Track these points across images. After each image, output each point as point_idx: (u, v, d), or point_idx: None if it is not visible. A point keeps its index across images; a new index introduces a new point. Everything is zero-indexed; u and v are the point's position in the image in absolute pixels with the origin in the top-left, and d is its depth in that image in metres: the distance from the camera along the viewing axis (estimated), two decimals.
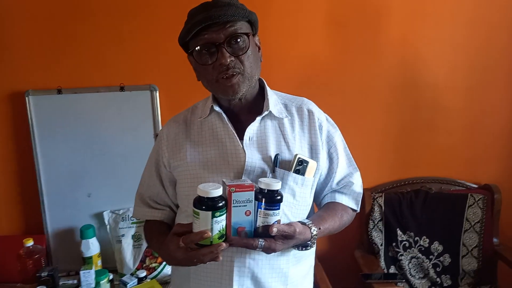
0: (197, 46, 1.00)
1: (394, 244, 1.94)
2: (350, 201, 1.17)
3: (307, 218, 1.09)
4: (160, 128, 1.94)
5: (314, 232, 0.99)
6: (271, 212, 0.91)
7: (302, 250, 1.02)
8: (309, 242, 0.99)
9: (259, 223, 0.92)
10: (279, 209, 0.93)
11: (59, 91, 1.90)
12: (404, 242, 1.94)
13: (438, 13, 1.94)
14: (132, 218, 1.93)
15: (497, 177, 2.05)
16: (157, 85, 1.93)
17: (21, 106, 1.90)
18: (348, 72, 1.98)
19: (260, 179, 0.94)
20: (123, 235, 1.91)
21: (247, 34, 1.00)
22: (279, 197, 0.92)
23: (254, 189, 0.91)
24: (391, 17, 1.93)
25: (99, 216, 1.97)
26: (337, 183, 1.16)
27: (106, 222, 1.94)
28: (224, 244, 0.89)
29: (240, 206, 0.90)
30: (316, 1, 1.91)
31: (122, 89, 1.92)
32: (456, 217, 1.93)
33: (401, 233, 1.94)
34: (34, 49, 1.89)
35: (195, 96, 1.94)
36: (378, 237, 1.96)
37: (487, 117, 2.03)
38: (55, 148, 1.92)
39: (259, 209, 0.92)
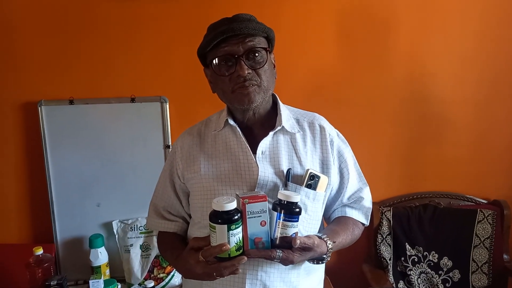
0: (216, 57, 1.03)
1: (402, 258, 1.92)
2: (360, 216, 1.19)
3: (319, 232, 1.10)
4: (170, 138, 1.96)
5: (330, 246, 1.00)
6: (290, 223, 0.93)
7: (317, 263, 1.03)
8: (324, 256, 1.00)
9: (278, 234, 0.94)
10: (297, 221, 0.94)
11: (71, 102, 1.93)
12: (413, 257, 1.92)
13: (446, 26, 1.94)
14: (141, 228, 1.94)
15: (507, 192, 2.03)
16: (167, 96, 1.95)
17: (33, 116, 1.93)
18: (356, 85, 1.99)
19: (280, 191, 0.96)
20: (131, 245, 1.92)
21: (265, 49, 1.04)
22: (297, 210, 0.94)
23: (267, 199, 0.93)
24: (400, 30, 1.94)
25: (108, 226, 1.98)
26: (348, 198, 1.17)
27: (115, 232, 1.95)
28: (245, 257, 0.91)
29: (254, 217, 0.92)
30: (325, 14, 1.93)
31: (132, 100, 1.94)
32: (466, 233, 1.92)
33: (409, 247, 1.92)
34: (47, 60, 1.93)
35: (205, 108, 1.97)
36: (386, 252, 1.94)
37: (495, 131, 2.02)
38: (66, 158, 1.95)
39: (278, 220, 0.94)
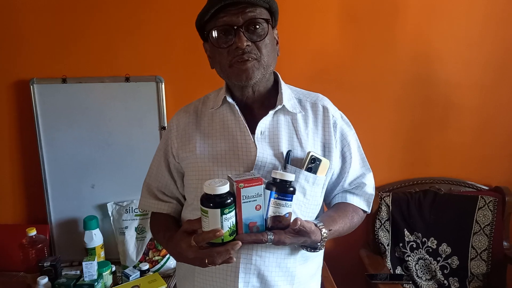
0: (214, 28, 0.97)
1: (401, 244, 1.90)
2: (361, 203, 1.14)
3: (316, 218, 1.06)
4: (166, 119, 1.92)
5: (324, 235, 0.96)
6: (283, 202, 0.90)
7: (311, 251, 1.00)
8: (318, 244, 0.97)
9: (270, 213, 0.90)
10: (291, 201, 0.91)
11: (64, 80, 1.87)
12: (411, 243, 1.90)
13: (453, 9, 1.87)
14: (136, 210, 1.92)
15: (509, 178, 2.00)
16: (163, 76, 1.90)
17: (25, 95, 1.88)
18: (360, 68, 1.93)
19: (274, 170, 0.92)
20: (126, 227, 1.90)
21: (266, 21, 0.98)
22: (291, 189, 0.91)
23: (263, 182, 0.89)
24: (405, 12, 1.88)
25: (102, 208, 1.96)
26: (349, 184, 1.13)
27: (110, 214, 1.93)
28: (239, 242, 0.87)
29: (250, 201, 0.88)
30: None
31: (127, 80, 1.89)
32: (466, 219, 1.89)
33: (408, 233, 1.90)
34: (39, 37, 1.87)
35: (201, 88, 1.91)
36: (384, 237, 1.92)
37: (500, 117, 1.98)
38: (59, 138, 1.91)
39: (270, 198, 0.90)
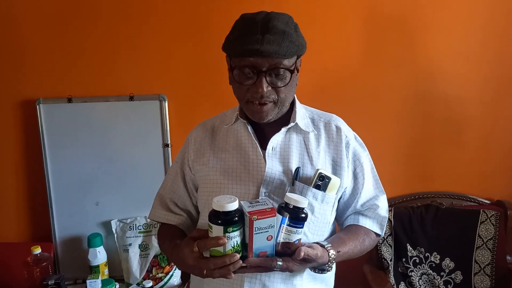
0: (239, 66, 0.96)
1: (404, 259, 1.90)
2: (374, 225, 1.12)
3: (328, 237, 1.06)
4: (169, 137, 1.95)
5: (332, 256, 0.95)
6: (294, 229, 0.89)
7: (318, 272, 0.99)
8: (325, 266, 0.96)
9: (280, 239, 0.90)
10: (302, 227, 0.90)
11: (70, 100, 1.91)
12: (414, 258, 1.90)
13: (451, 25, 1.91)
14: (140, 227, 1.93)
15: (510, 193, 2.00)
16: (166, 95, 1.93)
17: (32, 114, 1.92)
18: (360, 83, 1.96)
19: (287, 194, 0.91)
20: (130, 244, 1.91)
21: (291, 72, 0.97)
22: (304, 215, 0.90)
23: (276, 214, 0.88)
24: (404, 28, 1.91)
25: (106, 225, 1.97)
26: (362, 205, 1.11)
27: (114, 231, 1.94)
28: (237, 255, 0.87)
29: (262, 232, 0.87)
30: (327, 13, 1.90)
31: (131, 98, 1.92)
32: (468, 234, 1.89)
33: (411, 248, 1.90)
34: (45, 57, 1.91)
35: (204, 106, 1.96)
36: (387, 252, 1.92)
37: (500, 131, 1.99)
38: (64, 156, 1.94)
39: (282, 225, 0.89)
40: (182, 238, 1.02)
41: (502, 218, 1.90)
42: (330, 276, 1.12)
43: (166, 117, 1.93)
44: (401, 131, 2.01)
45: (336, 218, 1.13)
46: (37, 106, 1.90)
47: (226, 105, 1.99)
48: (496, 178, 2.03)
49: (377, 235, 1.13)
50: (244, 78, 0.97)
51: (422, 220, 1.92)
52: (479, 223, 1.89)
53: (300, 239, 0.92)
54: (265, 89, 0.95)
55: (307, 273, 1.03)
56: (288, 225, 0.89)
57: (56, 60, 1.92)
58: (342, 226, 1.16)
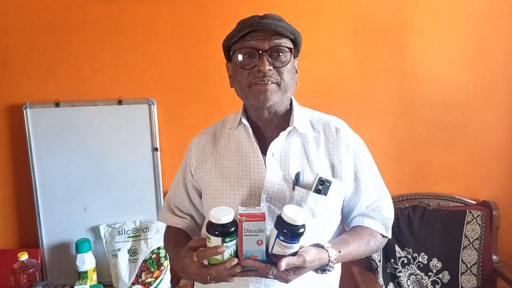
0: (240, 49, 1.02)
1: (392, 260, 1.92)
2: (379, 226, 1.12)
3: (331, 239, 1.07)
4: (158, 141, 1.94)
5: (333, 256, 0.96)
6: (288, 245, 0.89)
7: (320, 273, 0.98)
8: (326, 266, 0.96)
9: (275, 251, 0.90)
10: (298, 242, 0.90)
11: (57, 104, 1.90)
12: (402, 259, 1.92)
13: (435, 29, 1.95)
14: (128, 232, 1.92)
15: (496, 193, 2.04)
16: (155, 99, 1.93)
17: (18, 119, 1.90)
18: (348, 88, 1.98)
19: (284, 208, 0.89)
20: (119, 249, 1.89)
21: (290, 50, 1.03)
22: (300, 232, 0.88)
23: (265, 219, 0.89)
24: (389, 32, 1.94)
25: (95, 230, 1.95)
26: (367, 207, 1.11)
27: (102, 236, 1.93)
28: (236, 259, 0.90)
29: (251, 235, 0.89)
30: (316, 20, 1.92)
31: (120, 102, 1.92)
32: (455, 234, 1.92)
33: (399, 249, 1.92)
34: (32, 62, 1.90)
35: (193, 110, 1.96)
36: (376, 254, 1.94)
37: (485, 134, 2.03)
38: (51, 161, 1.92)
39: (277, 239, 0.89)
40: (185, 243, 1.03)
41: (488, 218, 1.93)
42: (335, 277, 1.13)
43: (155, 121, 1.93)
44: (388, 134, 2.03)
45: (342, 221, 1.14)
46: (24, 110, 1.88)
47: (214, 109, 2.01)
48: (482, 179, 2.06)
49: (384, 236, 1.13)
50: (246, 62, 1.02)
51: (410, 221, 1.94)
52: (465, 224, 1.92)
53: (297, 251, 0.91)
54: (267, 68, 0.99)
55: (312, 275, 1.02)
56: (283, 240, 0.89)
57: (43, 64, 1.91)
58: (348, 228, 1.16)
